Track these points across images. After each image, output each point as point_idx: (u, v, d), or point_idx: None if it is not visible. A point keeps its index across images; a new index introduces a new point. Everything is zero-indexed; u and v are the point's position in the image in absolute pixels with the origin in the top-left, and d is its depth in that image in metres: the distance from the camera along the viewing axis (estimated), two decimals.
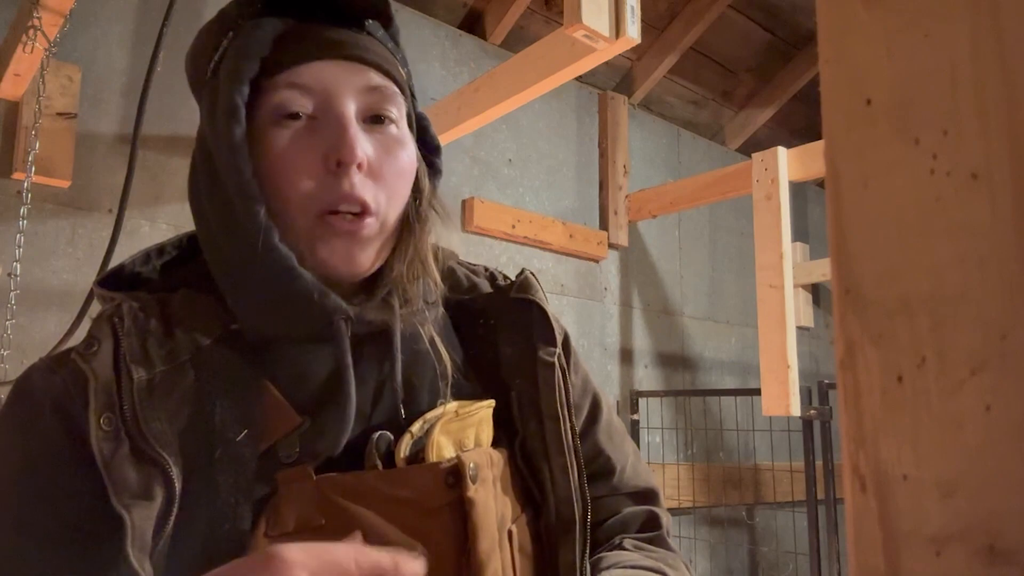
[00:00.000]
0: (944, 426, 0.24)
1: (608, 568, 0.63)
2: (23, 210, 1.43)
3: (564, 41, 1.55)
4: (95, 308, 1.37)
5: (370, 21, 0.62)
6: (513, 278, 0.70)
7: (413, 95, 0.66)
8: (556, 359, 0.64)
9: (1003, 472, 0.23)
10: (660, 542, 0.71)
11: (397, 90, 0.61)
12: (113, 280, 0.61)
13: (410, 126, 0.64)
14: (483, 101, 1.89)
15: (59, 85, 1.64)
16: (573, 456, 0.63)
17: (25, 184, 1.44)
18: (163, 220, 1.81)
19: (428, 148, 0.67)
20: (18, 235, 1.43)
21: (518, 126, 2.57)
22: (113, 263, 1.31)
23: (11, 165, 1.61)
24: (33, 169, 1.46)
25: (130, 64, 1.80)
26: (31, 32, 1.37)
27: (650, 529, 0.72)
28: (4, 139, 1.63)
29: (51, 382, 0.54)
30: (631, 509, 0.73)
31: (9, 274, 1.42)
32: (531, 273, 0.69)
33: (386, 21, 0.64)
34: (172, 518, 0.50)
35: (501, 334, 0.66)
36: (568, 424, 0.63)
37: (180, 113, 1.85)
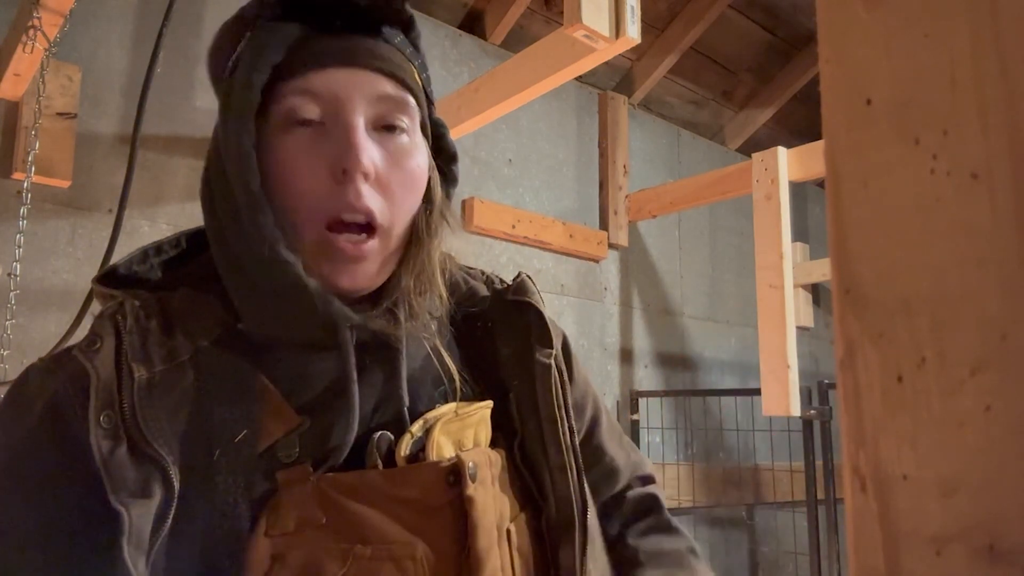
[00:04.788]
0: (944, 426, 0.24)
1: None
2: (23, 210, 1.43)
3: (564, 41, 1.55)
4: (95, 308, 1.38)
5: (387, 28, 0.61)
6: (509, 282, 0.70)
7: (430, 101, 0.65)
8: (553, 361, 0.64)
9: (1003, 472, 0.23)
10: (665, 527, 0.76)
11: (411, 99, 0.60)
12: (111, 278, 0.60)
13: (424, 133, 0.63)
14: (483, 101, 1.89)
15: (59, 85, 1.64)
16: (572, 457, 0.63)
17: (25, 184, 1.44)
18: (163, 220, 1.80)
19: (444, 156, 0.66)
20: (18, 235, 1.43)
21: (518, 126, 2.56)
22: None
23: (11, 165, 1.61)
24: (33, 169, 1.46)
25: (130, 64, 1.80)
26: (31, 32, 1.37)
27: (651, 509, 0.77)
28: (4, 139, 1.63)
29: (46, 383, 0.53)
30: (633, 493, 0.77)
31: (9, 274, 1.42)
32: (527, 276, 0.69)
33: (406, 27, 0.63)
34: (170, 517, 0.50)
35: (499, 336, 0.66)
36: (566, 425, 0.63)
37: (180, 113, 1.85)
